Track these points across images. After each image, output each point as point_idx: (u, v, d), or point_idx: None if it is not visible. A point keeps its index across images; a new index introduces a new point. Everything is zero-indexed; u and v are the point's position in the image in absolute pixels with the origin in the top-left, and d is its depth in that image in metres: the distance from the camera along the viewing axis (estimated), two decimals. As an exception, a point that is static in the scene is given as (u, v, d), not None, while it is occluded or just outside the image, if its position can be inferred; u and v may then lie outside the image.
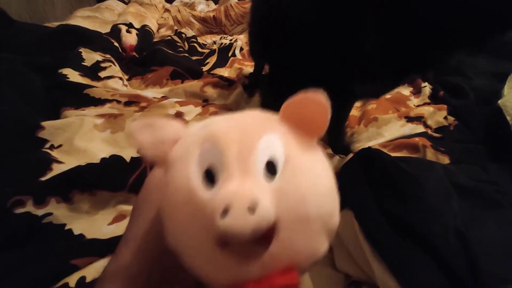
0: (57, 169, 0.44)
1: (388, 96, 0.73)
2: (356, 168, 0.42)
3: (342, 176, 0.43)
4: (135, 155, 0.44)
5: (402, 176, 0.40)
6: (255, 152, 0.17)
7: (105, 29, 1.06)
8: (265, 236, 0.16)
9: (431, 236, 0.33)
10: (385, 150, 0.57)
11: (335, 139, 0.59)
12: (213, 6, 1.49)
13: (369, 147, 0.49)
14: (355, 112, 0.71)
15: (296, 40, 0.40)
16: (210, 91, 0.73)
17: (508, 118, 0.54)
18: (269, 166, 0.17)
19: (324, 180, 0.19)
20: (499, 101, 0.59)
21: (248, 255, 0.16)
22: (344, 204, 0.39)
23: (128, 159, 0.44)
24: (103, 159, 0.43)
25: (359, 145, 0.60)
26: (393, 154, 0.56)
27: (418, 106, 0.74)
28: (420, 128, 0.63)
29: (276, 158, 0.17)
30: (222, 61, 0.93)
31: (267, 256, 0.16)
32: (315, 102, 0.18)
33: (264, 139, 0.18)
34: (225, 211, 0.15)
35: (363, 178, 0.40)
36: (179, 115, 0.59)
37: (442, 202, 0.37)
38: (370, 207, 0.37)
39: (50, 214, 0.38)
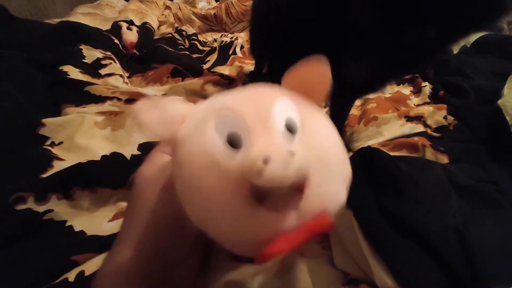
0: (58, 166, 0.44)
1: (388, 95, 0.73)
2: (355, 167, 0.42)
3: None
4: (135, 152, 0.44)
5: (401, 175, 0.41)
6: (273, 113, 0.18)
7: (105, 26, 1.06)
8: (299, 184, 0.17)
9: (430, 235, 0.34)
10: (384, 149, 0.57)
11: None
12: (213, 3, 1.49)
13: (369, 146, 0.49)
14: (355, 111, 0.71)
15: (295, 36, 0.40)
16: (211, 89, 0.73)
17: (508, 118, 0.54)
18: (288, 126, 0.18)
19: (335, 135, 0.20)
20: (499, 101, 0.60)
21: (286, 206, 0.17)
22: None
23: (128, 156, 0.44)
24: (103, 156, 0.43)
25: (358, 144, 0.60)
26: (392, 153, 0.56)
27: (418, 105, 0.74)
28: (420, 128, 0.64)
29: (293, 118, 0.19)
30: (223, 59, 0.93)
31: (303, 204, 0.17)
32: (316, 70, 0.20)
33: (278, 102, 0.19)
34: (267, 161, 0.15)
35: (362, 177, 0.41)
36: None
37: (441, 201, 0.37)
38: (369, 206, 0.37)
39: (51, 210, 0.38)
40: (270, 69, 0.54)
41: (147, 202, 0.22)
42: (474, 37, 1.11)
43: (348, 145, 0.60)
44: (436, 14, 0.27)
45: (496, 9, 0.28)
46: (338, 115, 0.58)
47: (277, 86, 0.21)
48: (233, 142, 0.17)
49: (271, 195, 0.16)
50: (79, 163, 0.42)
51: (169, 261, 0.22)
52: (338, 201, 0.19)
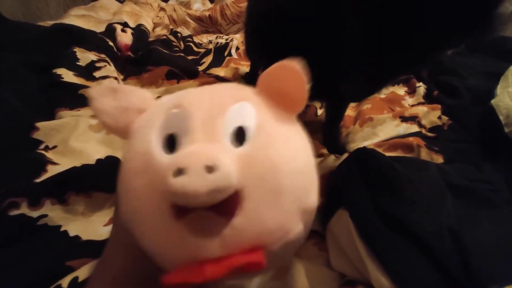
0: (52, 171, 0.44)
1: (383, 96, 0.73)
2: (351, 168, 0.42)
3: (337, 176, 0.43)
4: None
5: (397, 176, 0.41)
6: (223, 117, 0.16)
7: (99, 28, 1.05)
8: (227, 206, 0.14)
9: (425, 235, 0.34)
10: (380, 150, 0.57)
11: (330, 139, 0.60)
12: (208, 4, 1.48)
13: (364, 147, 0.49)
14: (350, 112, 0.71)
15: (290, 37, 0.40)
16: (206, 91, 0.73)
17: (501, 117, 0.55)
18: (239, 133, 0.16)
19: (301, 155, 0.18)
20: (492, 101, 0.60)
21: (207, 227, 0.14)
22: (339, 203, 0.40)
23: (123, 159, 0.43)
24: (98, 160, 0.43)
25: (354, 145, 0.61)
26: (388, 154, 0.57)
27: (412, 105, 0.75)
28: (415, 128, 0.64)
29: (247, 126, 0.16)
30: (218, 60, 0.93)
31: (229, 230, 0.14)
32: (291, 73, 0.17)
33: (236, 106, 0.17)
34: (180, 171, 0.13)
35: (358, 178, 0.41)
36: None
37: (436, 201, 0.38)
38: (365, 207, 0.37)
39: (45, 215, 0.37)
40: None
41: None
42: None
43: (344, 146, 0.60)
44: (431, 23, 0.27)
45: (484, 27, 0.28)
46: (334, 117, 0.58)
47: (248, 88, 0.19)
48: (175, 141, 0.16)
49: (190, 213, 0.14)
50: (74, 167, 0.41)
51: (157, 266, 0.22)
52: (282, 235, 0.15)
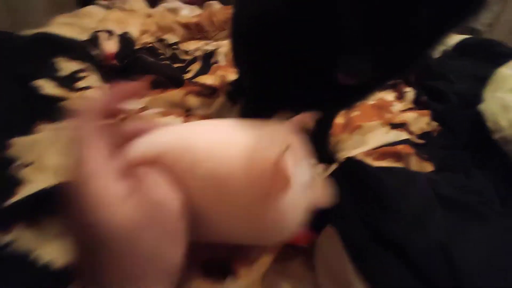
0: (25, 190, 0.42)
1: (371, 102, 0.73)
2: (339, 182, 0.41)
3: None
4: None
5: (385, 188, 0.40)
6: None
7: (84, 36, 1.03)
8: None
9: (414, 252, 0.33)
10: (369, 159, 0.56)
11: (319, 148, 0.59)
12: (197, 10, 1.47)
13: (352, 158, 0.48)
14: (339, 119, 0.70)
15: (283, 42, 0.39)
16: (193, 100, 0.71)
17: (489, 123, 0.54)
18: None
19: None
20: (480, 106, 0.60)
21: None
22: (327, 220, 0.38)
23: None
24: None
25: (344, 153, 0.60)
26: (377, 163, 0.56)
27: (402, 111, 0.74)
28: (404, 135, 0.63)
29: None
30: (205, 68, 0.92)
31: None
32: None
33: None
34: None
35: (346, 192, 0.39)
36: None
37: (425, 214, 0.37)
38: (353, 224, 0.36)
39: (14, 241, 0.35)
40: (249, 81, 0.53)
41: None
42: (455, 40, 1.13)
43: (333, 155, 0.59)
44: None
45: None
46: (323, 125, 0.57)
47: None
48: None
49: None
50: (47, 187, 0.39)
51: None
52: None
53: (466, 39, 1.11)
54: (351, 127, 0.64)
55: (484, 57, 1.00)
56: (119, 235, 0.17)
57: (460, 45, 1.09)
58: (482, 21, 2.09)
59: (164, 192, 0.19)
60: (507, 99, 0.56)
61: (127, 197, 0.18)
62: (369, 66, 0.28)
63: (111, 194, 0.18)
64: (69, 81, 0.70)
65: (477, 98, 0.70)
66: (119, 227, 0.17)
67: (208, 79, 0.86)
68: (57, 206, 0.38)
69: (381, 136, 0.62)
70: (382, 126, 0.63)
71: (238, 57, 0.67)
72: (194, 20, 1.16)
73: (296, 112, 0.39)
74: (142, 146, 0.22)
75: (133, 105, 0.66)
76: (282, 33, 0.37)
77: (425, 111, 0.69)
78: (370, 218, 0.36)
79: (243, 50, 0.54)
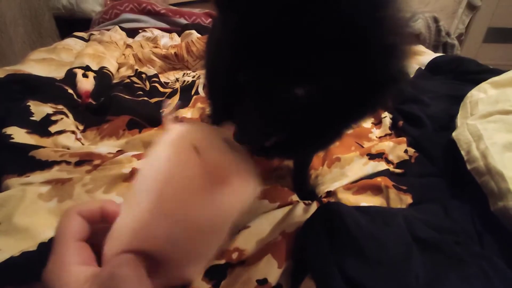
0: (-10, 259, 0.39)
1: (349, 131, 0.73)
2: (317, 230, 0.41)
3: (304, 238, 0.41)
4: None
5: (362, 234, 0.39)
6: None
7: (61, 71, 1.01)
8: None
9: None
10: (349, 193, 0.56)
11: (299, 185, 0.58)
12: (177, 38, 1.48)
13: (329, 202, 0.48)
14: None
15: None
16: (171, 138, 0.70)
17: (463, 152, 0.55)
18: None
19: None
20: (453, 134, 0.61)
21: None
22: (306, 271, 0.38)
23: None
24: (40, 245, 0.39)
25: (324, 188, 0.59)
26: (357, 196, 0.56)
27: (380, 137, 0.75)
28: (383, 165, 0.63)
29: None
30: (185, 100, 0.91)
31: None
32: None
33: None
34: None
35: (325, 242, 0.39)
36: (133, 173, 0.55)
37: (403, 262, 0.36)
38: (332, 276, 0.35)
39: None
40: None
41: None
42: (427, 59, 1.16)
43: (313, 190, 0.59)
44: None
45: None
46: (302, 163, 0.58)
47: None
48: None
49: None
50: (11, 258, 0.37)
51: None
52: None
53: (437, 57, 1.15)
54: (330, 160, 0.64)
55: (455, 75, 1.04)
56: None
57: (432, 64, 1.13)
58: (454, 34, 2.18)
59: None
60: (479, 126, 0.57)
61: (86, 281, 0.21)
62: (253, 136, 0.29)
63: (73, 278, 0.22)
64: (42, 126, 0.68)
65: (452, 120, 0.72)
66: None
67: (188, 112, 0.86)
68: (22, 277, 0.36)
69: (359, 167, 0.62)
70: (360, 157, 0.64)
71: (212, 92, 0.66)
72: (173, 51, 1.16)
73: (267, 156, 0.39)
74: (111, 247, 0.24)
75: (108, 149, 0.64)
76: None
77: (402, 139, 0.69)
78: (349, 269, 0.36)
79: (209, 86, 0.54)
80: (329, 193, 0.57)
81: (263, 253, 0.41)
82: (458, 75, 1.03)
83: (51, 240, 0.39)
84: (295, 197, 0.55)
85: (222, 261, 0.41)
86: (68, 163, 0.58)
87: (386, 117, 0.78)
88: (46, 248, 0.38)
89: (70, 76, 0.92)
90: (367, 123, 0.78)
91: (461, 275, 0.35)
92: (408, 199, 0.54)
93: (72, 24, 2.42)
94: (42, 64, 1.07)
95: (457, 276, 0.35)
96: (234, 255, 0.42)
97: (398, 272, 0.35)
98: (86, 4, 2.42)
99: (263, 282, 0.38)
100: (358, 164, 0.62)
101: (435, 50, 1.57)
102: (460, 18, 2.39)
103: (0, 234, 0.44)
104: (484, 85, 0.73)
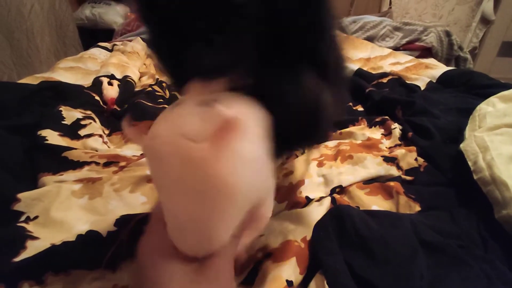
0: (32, 246, 0.44)
1: (359, 142, 0.76)
2: (328, 229, 0.44)
3: (315, 237, 0.44)
4: (111, 228, 0.44)
5: (371, 235, 0.42)
6: None
7: (88, 79, 1.09)
8: None
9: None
10: (362, 192, 0.59)
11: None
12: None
13: (340, 204, 0.51)
14: (328, 151, 0.73)
15: None
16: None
17: (470, 163, 0.57)
18: None
19: None
20: (461, 145, 0.63)
21: None
22: (317, 268, 0.41)
23: (104, 233, 0.44)
24: (79, 236, 0.43)
25: (337, 180, 0.61)
26: (369, 197, 0.58)
27: (390, 148, 0.78)
28: (394, 170, 0.66)
29: None
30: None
31: None
32: None
33: None
34: None
35: (335, 241, 0.42)
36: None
37: (409, 262, 0.39)
38: (341, 273, 0.38)
39: (22, 300, 0.37)
40: None
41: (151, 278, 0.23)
42: (439, 72, 1.19)
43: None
44: None
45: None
46: None
47: None
48: None
49: None
50: (53, 246, 0.41)
51: None
52: None
53: (449, 71, 1.17)
54: (343, 157, 0.67)
55: (466, 88, 1.06)
56: None
57: (443, 77, 1.15)
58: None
59: None
60: (486, 138, 0.59)
61: None
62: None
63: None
64: (73, 129, 0.74)
65: (461, 132, 0.74)
66: None
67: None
68: (61, 265, 0.40)
69: (373, 166, 0.65)
70: (374, 157, 0.66)
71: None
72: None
73: None
74: None
75: (132, 152, 0.69)
76: None
77: (413, 147, 0.72)
78: (357, 268, 0.39)
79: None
80: (342, 189, 0.60)
81: (288, 254, 0.42)
82: (469, 89, 1.05)
83: (88, 232, 0.44)
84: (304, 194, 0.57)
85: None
86: (97, 163, 0.63)
87: (396, 128, 0.81)
88: (84, 239, 0.43)
89: (97, 84, 0.99)
90: (377, 134, 0.81)
91: (463, 276, 0.37)
92: (416, 207, 0.56)
93: (94, 34, 2.55)
94: (70, 72, 1.14)
95: (459, 276, 0.37)
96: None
97: (403, 272, 0.38)
98: (108, 16, 2.55)
99: (290, 283, 0.39)
100: (372, 163, 0.65)
101: (447, 63, 1.59)
102: (474, 32, 2.40)
103: (38, 226, 0.49)
104: (492, 99, 0.75)
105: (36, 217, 0.50)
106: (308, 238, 0.45)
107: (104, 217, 0.49)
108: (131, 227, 0.43)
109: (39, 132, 0.68)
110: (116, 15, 2.54)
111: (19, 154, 0.64)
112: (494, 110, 0.70)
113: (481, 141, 0.60)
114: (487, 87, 1.00)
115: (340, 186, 0.60)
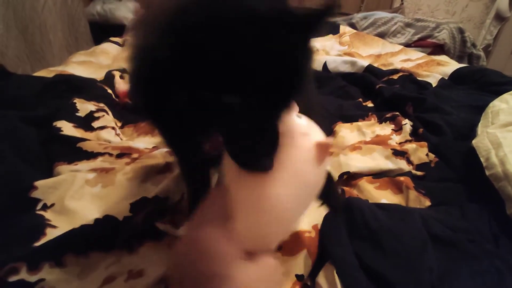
0: (51, 234, 0.45)
1: (368, 139, 0.76)
2: (338, 221, 0.44)
3: (325, 229, 0.45)
4: (127, 214, 0.46)
5: (381, 228, 0.42)
6: None
7: (100, 74, 1.10)
8: None
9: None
10: (372, 186, 0.59)
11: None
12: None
13: (350, 197, 0.51)
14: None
15: None
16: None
17: (482, 159, 0.57)
18: None
19: None
20: (473, 141, 0.63)
21: None
22: (327, 258, 0.41)
23: (121, 217, 0.45)
24: (96, 220, 0.44)
25: (346, 167, 0.62)
26: (379, 191, 0.58)
27: (400, 143, 0.77)
28: (403, 164, 0.66)
29: None
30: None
31: None
32: None
33: None
34: None
35: (344, 232, 0.42)
36: (167, 167, 0.61)
37: (418, 255, 0.39)
38: (351, 263, 0.39)
39: (43, 279, 0.39)
40: None
41: None
42: (451, 69, 1.17)
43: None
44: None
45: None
46: None
47: None
48: None
49: None
50: (73, 229, 0.43)
51: None
52: None
53: (461, 68, 1.16)
54: (352, 147, 0.67)
55: (478, 85, 1.04)
56: None
57: (455, 74, 1.13)
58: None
59: None
60: (499, 135, 0.59)
61: None
62: None
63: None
64: (86, 121, 0.75)
65: (472, 129, 0.73)
66: None
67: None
68: (81, 247, 0.42)
69: (382, 158, 0.65)
70: (384, 150, 0.66)
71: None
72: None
73: None
74: None
75: (144, 145, 0.70)
76: None
77: (424, 143, 0.71)
78: (367, 258, 0.39)
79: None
80: (350, 179, 0.60)
81: (299, 247, 0.43)
82: (482, 86, 1.04)
83: (105, 216, 0.45)
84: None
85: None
86: (110, 155, 0.64)
87: (407, 124, 0.80)
88: (101, 223, 0.44)
89: (109, 78, 1.00)
90: (387, 130, 0.80)
91: (473, 270, 0.38)
92: (426, 202, 0.56)
93: (105, 29, 2.57)
94: (83, 66, 1.16)
95: (469, 270, 0.37)
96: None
97: (413, 264, 0.38)
98: (119, 12, 2.57)
99: (301, 278, 0.40)
100: (380, 155, 0.65)
101: (460, 60, 1.56)
102: (488, 29, 2.35)
103: (55, 213, 0.51)
104: (506, 96, 0.74)
105: (52, 205, 0.52)
106: (319, 226, 0.46)
107: (119, 203, 0.51)
108: (146, 211, 0.44)
109: (54, 123, 0.70)
110: (127, 11, 2.57)
111: (35, 144, 0.66)
112: (507, 107, 0.69)
113: (494, 137, 0.59)
114: (501, 85, 0.98)
115: (347, 173, 0.60)
